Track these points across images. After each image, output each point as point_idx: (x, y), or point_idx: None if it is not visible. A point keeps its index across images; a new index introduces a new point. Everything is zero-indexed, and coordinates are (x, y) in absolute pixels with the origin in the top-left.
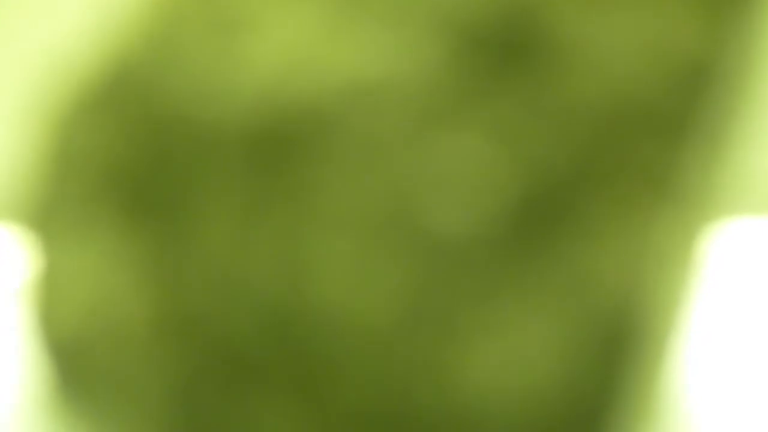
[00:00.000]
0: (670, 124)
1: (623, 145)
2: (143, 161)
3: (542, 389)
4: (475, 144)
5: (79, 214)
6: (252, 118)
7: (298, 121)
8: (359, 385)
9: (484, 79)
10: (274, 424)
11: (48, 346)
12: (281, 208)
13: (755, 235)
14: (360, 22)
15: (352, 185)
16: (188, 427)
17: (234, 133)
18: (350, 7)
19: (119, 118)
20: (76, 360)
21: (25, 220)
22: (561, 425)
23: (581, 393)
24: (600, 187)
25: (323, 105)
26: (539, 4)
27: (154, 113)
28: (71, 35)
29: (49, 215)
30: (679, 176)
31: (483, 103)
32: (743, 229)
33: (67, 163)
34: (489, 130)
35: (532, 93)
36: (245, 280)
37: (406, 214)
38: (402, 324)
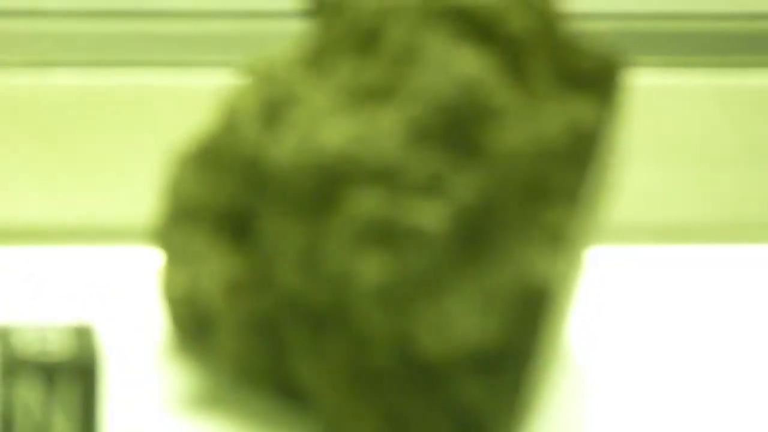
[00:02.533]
0: (570, 176)
1: (534, 193)
2: (227, 194)
3: (492, 330)
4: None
5: (187, 229)
6: (294, 171)
7: (324, 169)
8: (361, 321)
9: (440, 157)
10: (310, 344)
11: (168, 307)
12: (323, 222)
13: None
14: (357, 109)
15: (361, 205)
16: (256, 353)
17: (284, 178)
18: (353, 98)
19: (214, 172)
20: (185, 313)
21: (157, 239)
22: (497, 361)
23: (509, 341)
24: (521, 218)
25: (333, 162)
26: (484, 105)
27: (236, 167)
28: (188, 124)
29: (170, 231)
30: (574, 209)
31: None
32: (608, 250)
33: (181, 201)
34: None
35: (477, 165)
36: (291, 267)
37: (398, 220)
38: (390, 288)
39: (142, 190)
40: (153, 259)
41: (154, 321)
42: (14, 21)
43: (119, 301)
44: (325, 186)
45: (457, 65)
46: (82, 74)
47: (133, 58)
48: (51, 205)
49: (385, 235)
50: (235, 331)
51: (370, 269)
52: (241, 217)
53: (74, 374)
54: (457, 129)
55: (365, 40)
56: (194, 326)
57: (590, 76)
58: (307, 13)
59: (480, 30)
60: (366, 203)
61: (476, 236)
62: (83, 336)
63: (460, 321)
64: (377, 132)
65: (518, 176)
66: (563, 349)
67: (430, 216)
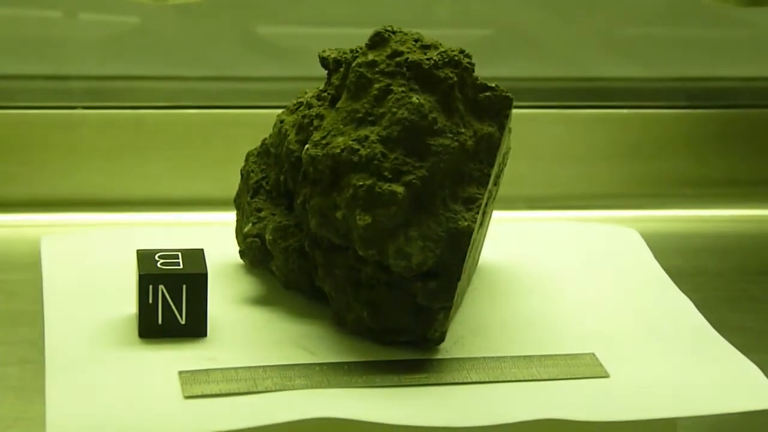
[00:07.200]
0: (479, 167)
1: (458, 177)
2: (276, 175)
3: (435, 256)
4: None
5: (253, 197)
6: (316, 162)
7: (334, 162)
8: (355, 251)
9: None
10: (325, 264)
11: (242, 244)
12: (333, 193)
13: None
14: (353, 127)
15: (356, 183)
16: (296, 270)
17: (311, 166)
18: (351, 121)
19: (268, 160)
20: (253, 247)
21: (236, 204)
22: (436, 274)
23: (443, 262)
24: (450, 191)
25: (330, 159)
26: None
27: (281, 157)
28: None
29: (240, 201)
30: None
31: None
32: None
33: (250, 180)
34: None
35: (423, 160)
36: (315, 219)
37: (376, 192)
38: (372, 231)
39: (230, 174)
40: (233, 217)
41: (233, 252)
42: None
43: (215, 239)
44: (334, 172)
45: (411, 101)
46: None
47: None
48: (182, 183)
49: (369, 201)
50: (283, 258)
51: (360, 221)
52: (286, 189)
53: (188, 280)
54: (412, 139)
55: (357, 87)
56: (259, 255)
57: (490, 106)
58: (326, 70)
59: (424, 79)
60: (358, 182)
61: (423, 201)
62: (196, 255)
63: (413, 250)
64: (365, 140)
65: (448, 166)
66: (477, 266)
67: (396, 189)
